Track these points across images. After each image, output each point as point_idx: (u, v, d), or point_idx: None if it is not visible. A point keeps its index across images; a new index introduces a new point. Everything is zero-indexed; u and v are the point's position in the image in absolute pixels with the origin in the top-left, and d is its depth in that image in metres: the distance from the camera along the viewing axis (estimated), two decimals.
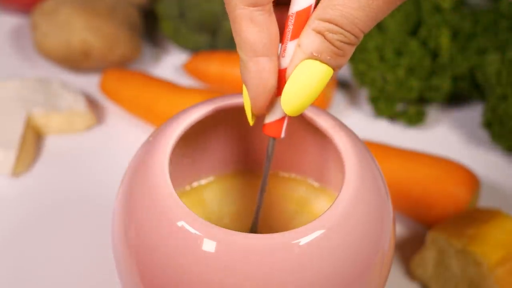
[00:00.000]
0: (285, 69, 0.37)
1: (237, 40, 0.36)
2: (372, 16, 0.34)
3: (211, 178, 0.47)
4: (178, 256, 0.36)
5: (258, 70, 0.36)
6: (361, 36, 0.35)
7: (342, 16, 0.34)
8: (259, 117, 0.40)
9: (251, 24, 0.35)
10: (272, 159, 0.40)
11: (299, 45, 0.35)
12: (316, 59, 0.35)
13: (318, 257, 0.36)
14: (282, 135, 0.39)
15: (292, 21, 0.36)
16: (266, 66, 0.36)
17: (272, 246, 0.35)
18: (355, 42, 0.35)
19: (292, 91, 0.36)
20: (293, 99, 0.36)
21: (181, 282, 0.36)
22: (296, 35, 0.36)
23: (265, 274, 0.35)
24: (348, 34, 0.35)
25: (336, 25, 0.34)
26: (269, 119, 0.39)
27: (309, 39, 0.35)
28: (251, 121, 0.39)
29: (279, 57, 0.37)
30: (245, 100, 0.38)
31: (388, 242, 0.39)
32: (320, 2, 0.35)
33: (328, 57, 0.35)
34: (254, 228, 0.42)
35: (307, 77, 0.36)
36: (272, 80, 0.37)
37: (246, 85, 0.37)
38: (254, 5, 0.35)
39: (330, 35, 0.35)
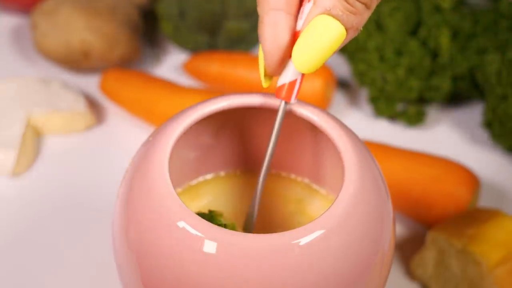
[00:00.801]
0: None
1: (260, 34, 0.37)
2: None
3: (210, 177, 0.47)
4: (178, 256, 0.36)
5: (273, 23, 0.37)
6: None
7: None
8: (272, 81, 0.40)
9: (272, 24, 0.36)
10: (279, 134, 0.39)
11: (314, 2, 0.36)
12: (329, 15, 0.36)
13: (318, 257, 0.36)
14: (293, 100, 0.39)
15: None
16: (281, 20, 0.37)
17: (272, 246, 0.35)
18: (371, 4, 0.36)
19: (304, 46, 0.36)
20: (304, 54, 0.36)
21: (181, 282, 0.36)
22: None
23: (265, 274, 0.35)
24: None
25: None
26: (282, 81, 0.38)
27: None
28: (264, 83, 0.39)
29: (296, 19, 0.37)
30: (260, 60, 0.38)
31: (388, 242, 0.39)
32: None
33: (341, 13, 0.36)
34: (248, 228, 0.42)
35: (320, 32, 0.36)
36: (285, 35, 0.37)
37: (260, 40, 0.38)
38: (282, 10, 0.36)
39: None
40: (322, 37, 0.36)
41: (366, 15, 0.36)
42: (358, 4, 0.36)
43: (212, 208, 0.45)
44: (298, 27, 0.37)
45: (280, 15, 0.37)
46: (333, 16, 0.36)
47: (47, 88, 0.63)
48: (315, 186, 0.46)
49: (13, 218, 0.57)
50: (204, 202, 0.45)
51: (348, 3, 0.36)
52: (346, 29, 0.36)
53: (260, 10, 0.37)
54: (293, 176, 0.47)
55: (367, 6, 0.36)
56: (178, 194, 0.45)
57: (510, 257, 0.48)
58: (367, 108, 0.66)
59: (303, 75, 0.38)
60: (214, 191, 0.46)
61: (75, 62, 0.65)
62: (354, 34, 0.37)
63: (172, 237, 0.36)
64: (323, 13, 0.36)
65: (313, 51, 0.36)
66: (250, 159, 0.47)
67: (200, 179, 0.46)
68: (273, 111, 0.44)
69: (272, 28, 0.37)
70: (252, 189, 0.46)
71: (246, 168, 0.47)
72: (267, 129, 0.45)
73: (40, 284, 0.52)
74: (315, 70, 0.37)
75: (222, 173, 0.47)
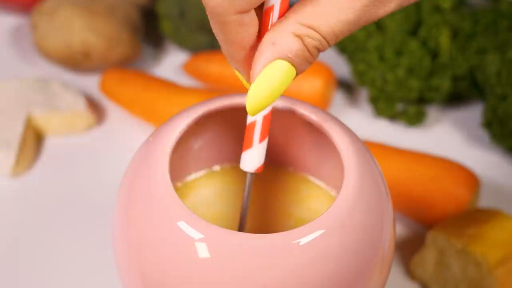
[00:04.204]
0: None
1: (222, 39, 0.37)
2: (349, 29, 0.35)
3: (205, 173, 0.47)
4: (178, 256, 0.36)
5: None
6: (332, 45, 0.36)
7: (327, 26, 0.35)
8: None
9: (239, 27, 0.36)
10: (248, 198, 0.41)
11: (273, 43, 0.35)
12: (288, 61, 0.35)
13: (318, 257, 0.36)
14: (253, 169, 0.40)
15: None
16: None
17: (272, 246, 0.35)
18: (324, 50, 0.36)
19: (259, 90, 0.36)
20: (259, 98, 0.36)
21: (181, 281, 0.36)
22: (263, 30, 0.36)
23: (265, 274, 0.35)
24: (324, 42, 0.36)
25: (318, 32, 0.35)
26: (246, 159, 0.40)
27: (288, 41, 0.35)
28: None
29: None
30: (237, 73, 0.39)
31: (388, 242, 0.39)
32: (299, 2, 0.36)
33: (300, 61, 0.36)
34: (242, 227, 0.42)
35: (277, 77, 0.36)
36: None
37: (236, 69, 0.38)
38: (242, 11, 0.36)
39: (308, 40, 0.35)
40: (279, 81, 0.36)
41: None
42: (316, 53, 0.36)
43: (208, 204, 0.45)
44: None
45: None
46: (291, 63, 0.36)
47: (47, 88, 0.63)
48: (316, 185, 0.46)
49: (13, 218, 0.57)
50: (200, 198, 0.45)
51: (309, 52, 0.35)
52: (297, 73, 0.36)
53: (227, 49, 0.37)
54: (294, 173, 0.47)
55: (322, 51, 0.36)
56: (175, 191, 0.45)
57: (510, 257, 0.48)
58: (367, 108, 0.66)
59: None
60: (210, 186, 0.46)
61: (75, 62, 0.65)
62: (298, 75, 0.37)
63: (172, 236, 0.36)
64: (282, 58, 0.35)
65: (267, 95, 0.36)
66: None
67: (196, 175, 0.46)
68: (272, 110, 0.44)
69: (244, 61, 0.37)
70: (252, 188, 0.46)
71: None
72: None
73: (40, 284, 0.52)
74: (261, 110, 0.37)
75: (217, 168, 0.47)
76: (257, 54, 0.36)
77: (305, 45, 0.35)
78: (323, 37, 0.35)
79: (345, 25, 0.35)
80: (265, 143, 0.40)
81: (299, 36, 0.35)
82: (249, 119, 0.39)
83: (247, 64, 0.37)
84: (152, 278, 0.37)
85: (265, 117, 0.39)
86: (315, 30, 0.35)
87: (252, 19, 0.36)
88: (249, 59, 0.37)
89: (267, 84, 0.36)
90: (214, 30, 0.36)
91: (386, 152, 0.57)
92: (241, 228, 0.42)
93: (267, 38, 0.35)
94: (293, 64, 0.36)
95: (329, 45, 0.36)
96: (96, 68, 0.66)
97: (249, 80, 0.38)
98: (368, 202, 0.38)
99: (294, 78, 0.37)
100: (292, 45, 0.35)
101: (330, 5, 0.35)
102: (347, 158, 0.39)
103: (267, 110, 0.39)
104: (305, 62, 0.36)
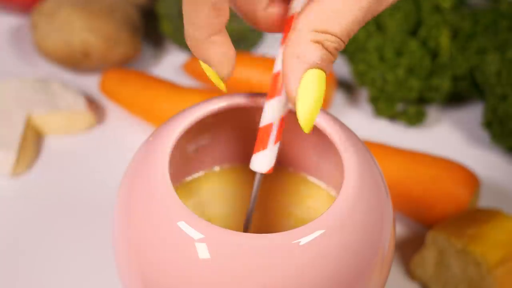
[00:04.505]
0: (278, 72, 0.38)
1: (202, 57, 0.38)
2: (359, 26, 0.37)
3: (205, 173, 0.47)
4: (178, 256, 0.36)
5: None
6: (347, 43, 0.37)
7: (339, 26, 0.36)
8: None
9: (214, 46, 0.38)
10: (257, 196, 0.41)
11: (298, 57, 0.36)
12: (317, 67, 0.36)
13: (318, 257, 0.36)
14: (266, 170, 0.40)
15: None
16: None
17: (272, 246, 0.35)
18: (342, 49, 0.37)
19: (307, 105, 0.37)
20: (309, 113, 0.37)
21: (181, 281, 0.36)
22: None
23: (265, 274, 0.35)
24: (341, 42, 0.37)
25: (333, 35, 0.36)
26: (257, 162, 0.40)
27: (310, 50, 0.36)
28: (222, 87, 0.40)
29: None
30: (208, 71, 0.39)
31: (388, 242, 0.39)
32: (308, 7, 0.36)
33: (326, 64, 0.37)
34: (246, 227, 0.42)
35: (315, 86, 0.37)
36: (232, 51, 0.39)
37: (209, 64, 0.39)
38: (216, 33, 0.37)
39: (327, 43, 0.36)
40: (319, 90, 0.37)
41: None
42: (337, 52, 0.37)
43: (208, 204, 0.45)
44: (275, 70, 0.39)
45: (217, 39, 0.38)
46: (321, 69, 0.37)
47: (47, 88, 0.63)
48: (316, 185, 0.46)
49: (13, 218, 0.57)
50: (200, 198, 0.45)
51: (331, 54, 0.37)
52: (326, 74, 0.37)
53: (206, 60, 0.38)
54: (295, 173, 0.47)
55: (341, 49, 0.38)
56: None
57: (510, 257, 0.48)
58: (367, 108, 0.66)
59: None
60: (210, 186, 0.46)
61: (75, 62, 0.65)
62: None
63: (172, 237, 0.36)
64: (312, 67, 0.36)
65: (316, 106, 0.37)
66: (246, 155, 0.47)
67: (196, 175, 0.46)
68: None
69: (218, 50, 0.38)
70: (247, 184, 0.46)
71: (244, 162, 0.47)
72: None
73: (40, 284, 0.52)
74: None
75: (217, 168, 0.47)
76: (287, 71, 0.36)
77: (326, 48, 0.36)
78: (339, 38, 0.36)
79: (355, 24, 0.36)
80: (278, 144, 0.40)
81: (318, 42, 0.36)
82: (264, 121, 0.39)
83: (206, 51, 0.38)
84: (152, 278, 0.37)
85: (281, 119, 0.39)
86: (331, 34, 0.36)
87: (225, 9, 0.37)
88: (210, 48, 0.38)
89: (310, 96, 0.36)
90: (185, 11, 0.37)
91: (386, 152, 0.57)
92: (246, 227, 0.42)
93: (288, 53, 0.36)
94: (322, 69, 0.36)
95: (345, 44, 0.37)
96: (96, 68, 0.66)
97: (221, 71, 0.39)
98: (368, 202, 0.38)
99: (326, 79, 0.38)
100: (316, 53, 0.36)
101: (337, 3, 0.36)
102: (347, 158, 0.39)
103: (285, 112, 0.39)
104: (330, 64, 0.37)
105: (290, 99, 0.37)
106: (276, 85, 0.39)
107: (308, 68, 0.36)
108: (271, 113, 0.39)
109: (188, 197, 0.45)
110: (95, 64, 0.65)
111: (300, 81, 0.36)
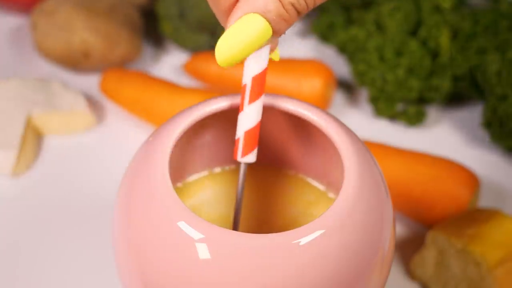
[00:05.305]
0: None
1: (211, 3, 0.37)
2: None
3: (205, 174, 0.47)
4: (178, 256, 0.36)
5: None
6: (311, 8, 0.36)
7: None
8: None
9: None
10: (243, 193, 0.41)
11: (246, 1, 0.35)
12: (261, 15, 0.35)
13: (318, 257, 0.36)
14: (239, 157, 0.39)
15: None
16: None
17: (273, 246, 0.35)
18: (303, 12, 0.35)
19: (229, 41, 0.36)
20: (227, 49, 0.36)
21: (181, 281, 0.36)
22: None
23: (265, 274, 0.35)
24: (302, 2, 0.35)
25: None
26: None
27: None
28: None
29: None
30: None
31: (388, 242, 0.39)
32: None
33: (274, 17, 0.35)
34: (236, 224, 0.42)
35: (249, 29, 0.35)
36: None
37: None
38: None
39: None
40: (250, 34, 0.35)
41: (296, 20, 0.36)
42: (293, 12, 0.35)
43: (208, 204, 0.45)
44: None
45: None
46: (266, 19, 0.35)
47: (47, 88, 0.63)
48: (315, 185, 0.46)
49: (13, 217, 0.57)
50: (200, 199, 0.45)
51: (285, 9, 0.35)
52: (273, 33, 0.36)
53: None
54: (298, 175, 0.47)
55: (299, 14, 0.36)
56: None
57: (510, 257, 0.48)
58: (367, 108, 0.66)
59: (245, 134, 0.38)
60: (210, 187, 0.46)
61: (75, 62, 0.65)
62: (276, 37, 0.37)
63: (172, 237, 0.36)
64: (256, 12, 0.35)
65: (238, 48, 0.36)
66: None
67: (196, 175, 0.46)
68: (272, 110, 0.44)
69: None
70: (247, 184, 0.46)
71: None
72: (265, 126, 0.45)
73: (40, 284, 0.52)
74: (233, 65, 0.37)
75: (218, 169, 0.47)
76: (233, 10, 0.36)
77: (279, 0, 0.35)
78: None
79: None
80: (256, 106, 0.38)
81: None
82: (242, 82, 0.38)
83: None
84: (152, 278, 0.37)
85: (254, 79, 0.38)
86: None
87: None
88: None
89: (238, 36, 0.35)
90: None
91: (386, 152, 0.57)
92: (235, 223, 0.41)
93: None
94: (267, 20, 0.35)
95: (308, 8, 0.35)
96: (96, 68, 0.66)
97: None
98: (368, 202, 0.38)
99: (274, 40, 0.36)
100: (266, 1, 0.35)
101: None
102: (347, 158, 0.39)
103: (256, 71, 0.38)
104: (281, 21, 0.35)
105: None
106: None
107: (252, 12, 0.35)
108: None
109: (188, 197, 0.45)
110: (95, 64, 0.65)
111: (236, 20, 0.35)
